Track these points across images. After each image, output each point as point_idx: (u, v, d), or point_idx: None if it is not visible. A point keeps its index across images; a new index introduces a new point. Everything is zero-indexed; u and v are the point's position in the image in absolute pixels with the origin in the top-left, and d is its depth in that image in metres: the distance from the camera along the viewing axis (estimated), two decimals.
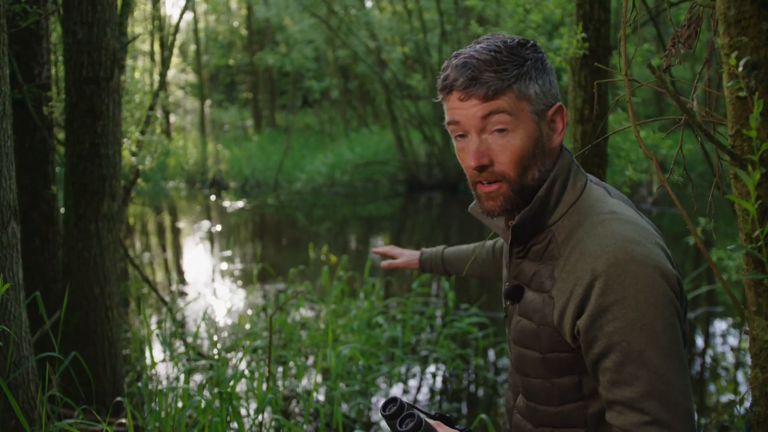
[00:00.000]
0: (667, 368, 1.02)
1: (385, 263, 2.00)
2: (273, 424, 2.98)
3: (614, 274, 1.03)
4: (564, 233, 1.14)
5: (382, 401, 1.16)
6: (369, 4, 16.16)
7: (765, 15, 1.04)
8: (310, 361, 4.25)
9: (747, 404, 1.17)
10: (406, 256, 1.97)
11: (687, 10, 1.37)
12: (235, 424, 2.83)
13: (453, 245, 1.92)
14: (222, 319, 5.28)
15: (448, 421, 1.18)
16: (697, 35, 1.30)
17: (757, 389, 1.11)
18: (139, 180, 4.42)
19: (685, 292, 1.13)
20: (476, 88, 1.10)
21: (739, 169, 1.01)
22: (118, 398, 2.58)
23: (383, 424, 3.62)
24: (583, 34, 2.66)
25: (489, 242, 1.76)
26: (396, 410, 1.13)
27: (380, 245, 8.71)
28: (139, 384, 2.76)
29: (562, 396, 1.15)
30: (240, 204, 12.25)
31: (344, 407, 3.65)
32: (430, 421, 1.14)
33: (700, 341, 4.99)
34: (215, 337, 4.69)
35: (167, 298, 5.73)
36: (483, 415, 3.00)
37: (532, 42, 1.14)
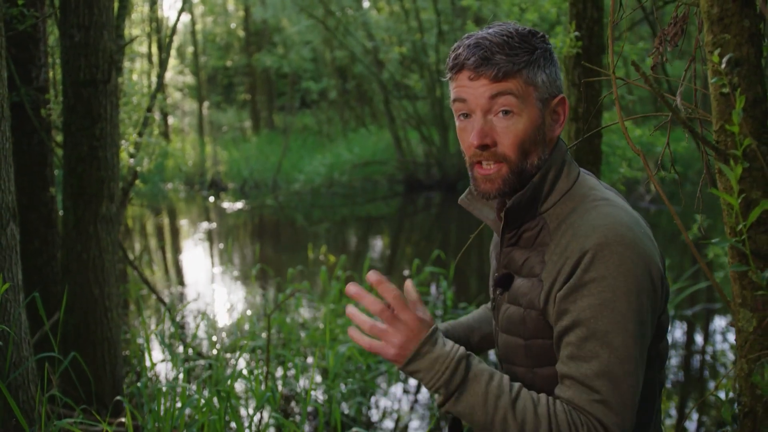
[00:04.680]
0: (627, 355, 1.03)
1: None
2: (272, 423, 2.99)
3: (601, 252, 1.05)
4: (556, 220, 1.16)
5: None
6: (366, 4, 16.19)
7: (747, 13, 1.06)
8: (309, 360, 4.27)
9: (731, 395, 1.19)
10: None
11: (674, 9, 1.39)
12: (234, 424, 2.85)
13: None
14: (221, 320, 5.30)
15: None
16: (683, 33, 1.32)
17: (743, 380, 1.13)
18: (138, 182, 4.43)
19: (667, 288, 1.14)
20: (487, 68, 1.11)
21: (723, 164, 1.03)
22: (118, 398, 2.59)
23: (386, 423, 3.65)
24: (576, 33, 2.68)
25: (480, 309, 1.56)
26: None
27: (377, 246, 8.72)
28: (139, 384, 2.78)
29: (542, 387, 1.16)
30: (239, 205, 12.27)
31: (343, 406, 3.67)
32: None
33: (699, 338, 5.01)
34: (214, 338, 4.71)
35: (166, 299, 5.75)
36: None
37: (542, 33, 1.17)
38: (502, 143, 1.14)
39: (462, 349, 1.08)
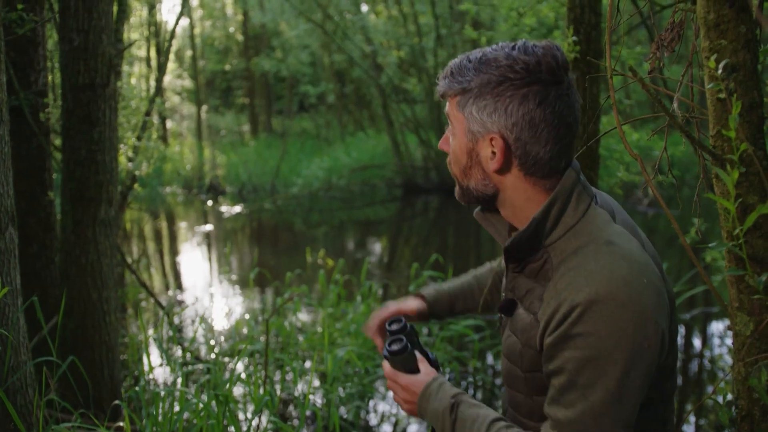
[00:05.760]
0: (603, 412, 1.02)
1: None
2: (270, 427, 2.99)
3: (590, 309, 1.02)
4: (560, 256, 1.12)
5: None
6: (364, 8, 16.22)
7: (743, 19, 1.06)
8: (308, 364, 4.27)
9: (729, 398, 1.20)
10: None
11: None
12: (232, 428, 2.85)
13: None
14: (219, 324, 5.29)
15: (435, 364, 1.32)
16: (680, 38, 1.32)
17: (740, 384, 1.13)
18: (136, 185, 4.44)
19: (674, 333, 1.12)
20: (439, 86, 1.18)
21: (719, 169, 1.04)
22: (116, 402, 2.59)
23: (384, 428, 3.64)
24: (574, 38, 2.69)
25: (486, 267, 1.67)
26: (398, 329, 1.32)
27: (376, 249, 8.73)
28: (137, 388, 2.78)
29: (542, 414, 1.15)
30: (237, 209, 12.27)
31: (341, 410, 3.67)
32: (417, 354, 1.28)
33: (697, 341, 5.02)
34: (212, 342, 4.70)
35: (164, 303, 5.74)
36: None
37: (507, 63, 1.08)
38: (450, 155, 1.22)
39: (447, 399, 1.19)
